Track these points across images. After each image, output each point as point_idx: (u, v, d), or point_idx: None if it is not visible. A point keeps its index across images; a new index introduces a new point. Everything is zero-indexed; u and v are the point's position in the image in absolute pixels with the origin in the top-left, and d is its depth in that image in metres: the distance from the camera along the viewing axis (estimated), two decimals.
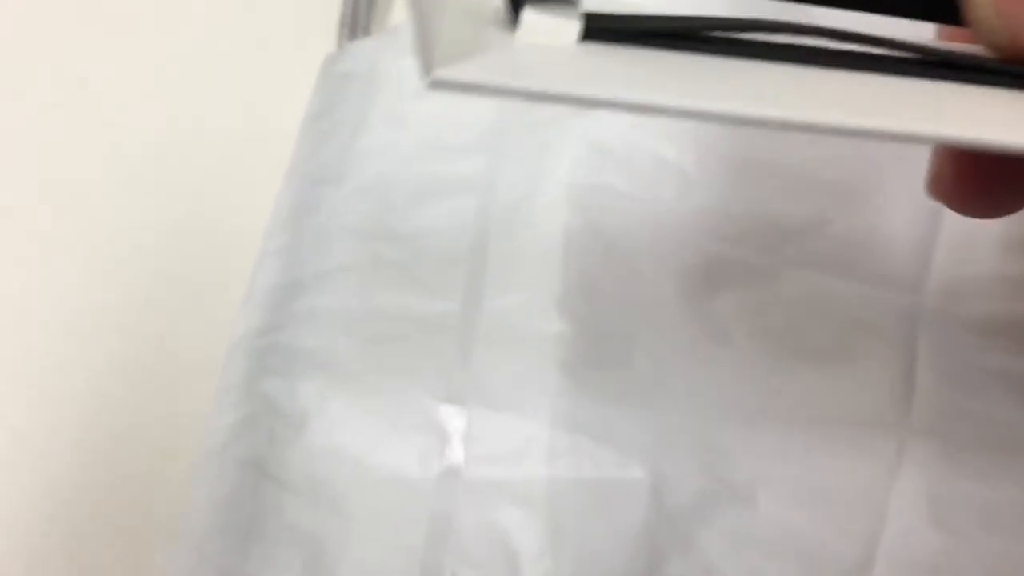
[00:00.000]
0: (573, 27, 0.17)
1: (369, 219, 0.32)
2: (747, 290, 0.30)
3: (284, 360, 0.29)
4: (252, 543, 0.26)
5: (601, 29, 0.17)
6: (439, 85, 0.16)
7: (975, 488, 0.27)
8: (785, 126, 0.17)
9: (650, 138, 0.33)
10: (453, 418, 0.28)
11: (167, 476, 0.30)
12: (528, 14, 0.17)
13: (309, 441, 0.27)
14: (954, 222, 0.30)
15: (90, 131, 0.36)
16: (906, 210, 0.31)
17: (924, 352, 0.29)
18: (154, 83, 0.37)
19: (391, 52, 0.36)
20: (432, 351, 0.29)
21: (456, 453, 0.27)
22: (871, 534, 0.27)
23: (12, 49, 0.37)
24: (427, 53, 0.16)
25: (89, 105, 0.36)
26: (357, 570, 0.26)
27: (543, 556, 0.26)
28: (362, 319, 0.30)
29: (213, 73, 0.37)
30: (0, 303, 0.32)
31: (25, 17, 0.37)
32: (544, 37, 0.17)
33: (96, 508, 0.29)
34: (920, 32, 0.20)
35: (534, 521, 0.26)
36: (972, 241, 0.30)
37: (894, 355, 0.29)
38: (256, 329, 0.29)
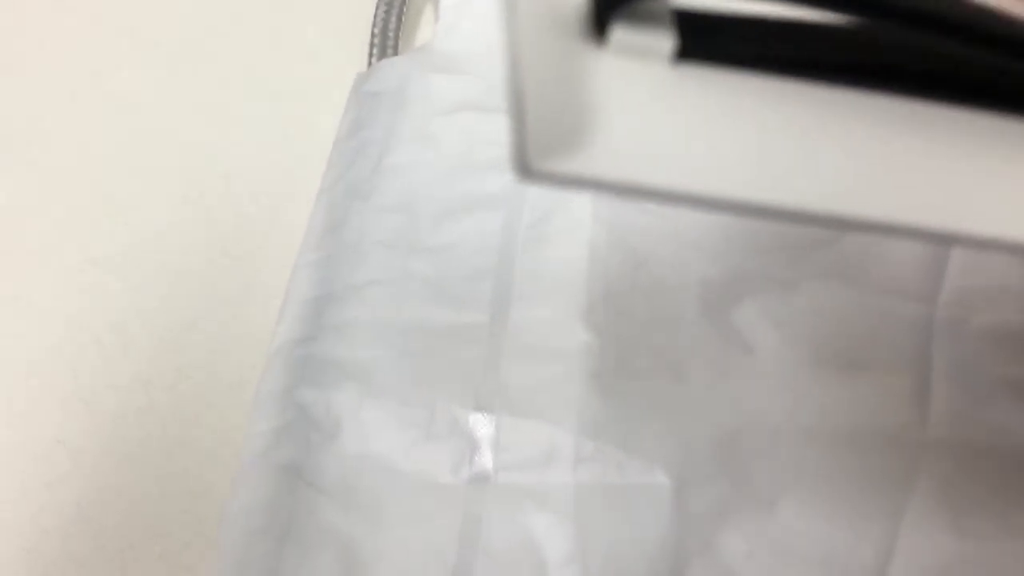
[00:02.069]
0: (665, 46, 0.16)
1: (399, 234, 0.33)
2: (768, 302, 0.31)
3: (319, 371, 0.30)
4: (289, 545, 0.27)
5: (696, 47, 0.16)
6: (537, 178, 0.15)
7: (991, 494, 0.28)
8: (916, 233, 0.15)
9: None
10: (482, 426, 0.29)
11: (209, 483, 0.31)
12: (617, 33, 0.16)
13: (343, 449, 0.28)
14: None
15: (125, 151, 0.37)
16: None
17: (939, 362, 0.30)
18: (185, 105, 0.38)
19: (419, 70, 0.37)
20: (461, 362, 0.30)
21: (486, 460, 0.28)
22: (889, 540, 0.27)
23: (48, 69, 0.38)
24: (521, 147, 0.15)
25: (123, 126, 0.37)
26: (390, 572, 0.27)
27: (570, 561, 0.27)
28: (393, 331, 0.31)
29: (245, 95, 0.38)
30: (44, 315, 0.33)
31: (54, 36, 0.39)
32: (634, 58, 0.16)
33: (142, 517, 0.30)
34: None
35: (561, 526, 0.27)
36: (985, 252, 0.31)
37: (909, 366, 0.30)
38: (292, 340, 0.31)
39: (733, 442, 0.28)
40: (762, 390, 0.29)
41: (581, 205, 0.32)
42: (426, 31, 0.40)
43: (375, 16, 0.39)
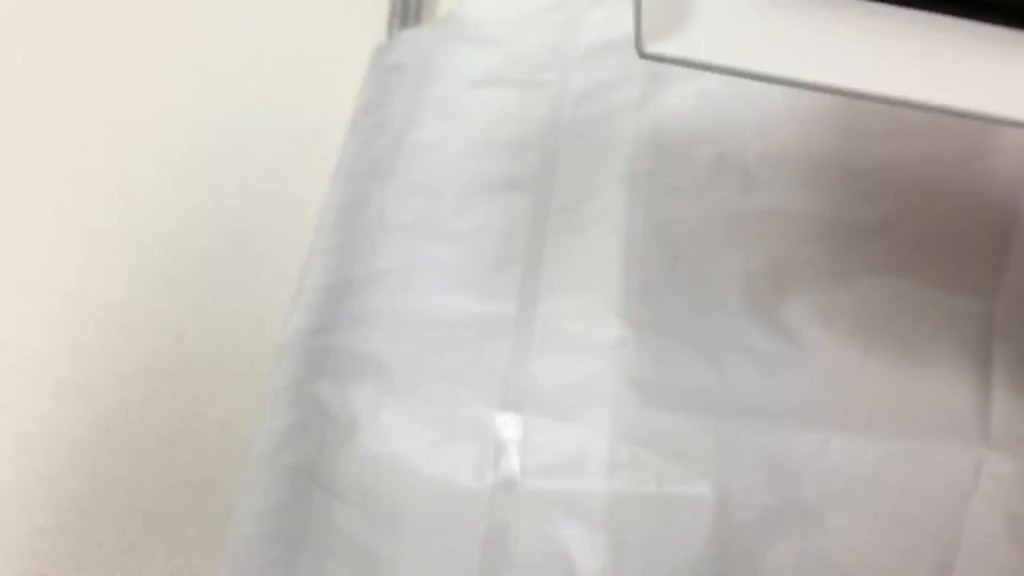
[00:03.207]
0: None
1: (421, 217, 0.31)
2: (817, 294, 0.29)
3: (335, 364, 0.28)
4: (302, 553, 0.26)
5: None
6: (651, 58, 0.18)
7: None
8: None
9: (709, 130, 0.31)
10: (509, 426, 0.27)
11: (214, 479, 0.29)
12: None
13: (360, 449, 0.27)
14: None
15: (125, 122, 0.35)
16: (981, 213, 0.30)
17: (999, 360, 0.28)
18: (190, 74, 0.36)
19: (443, 41, 0.35)
20: (487, 356, 0.28)
21: (512, 463, 0.26)
22: (946, 557, 0.25)
23: (59, 46, 0.36)
24: (638, 28, 0.18)
25: (123, 96, 0.35)
26: None
27: (604, 573, 0.25)
28: (414, 322, 0.29)
29: (259, 65, 0.36)
30: (38, 295, 0.32)
31: (70, 10, 0.37)
32: None
33: (143, 514, 0.29)
34: None
35: (594, 536, 0.25)
36: None
37: (968, 363, 0.28)
38: (306, 330, 0.29)
39: (780, 447, 0.26)
40: (812, 388, 0.27)
41: (615, 193, 0.30)
42: (449, 0, 0.38)
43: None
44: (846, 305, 0.28)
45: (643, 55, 0.18)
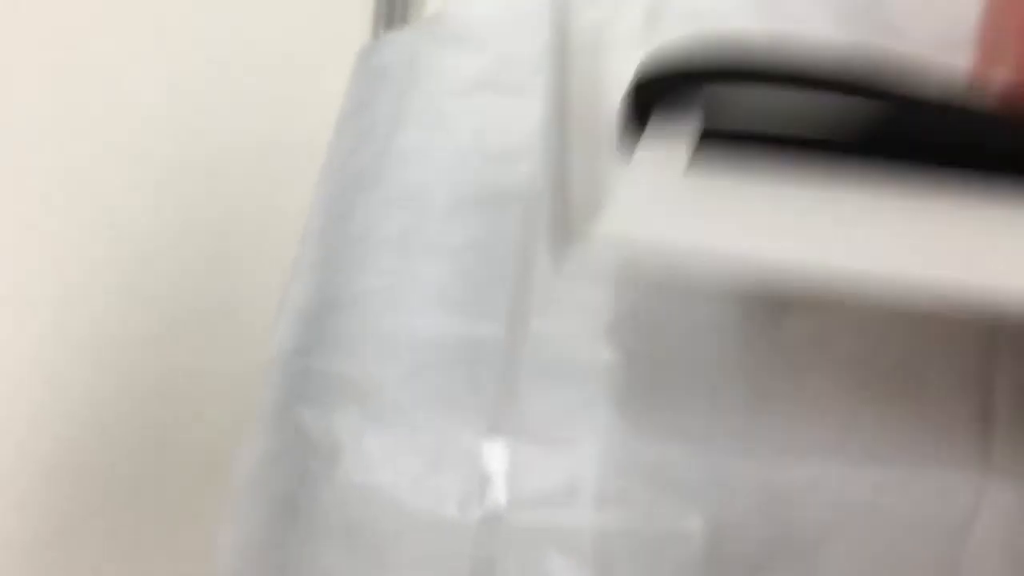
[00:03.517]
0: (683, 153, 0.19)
1: (407, 231, 0.30)
2: (812, 316, 0.28)
3: (317, 387, 0.27)
4: None
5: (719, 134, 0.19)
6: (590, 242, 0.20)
7: None
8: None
9: None
10: (496, 455, 0.26)
11: (197, 506, 0.28)
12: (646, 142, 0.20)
13: (344, 479, 0.26)
14: None
15: (103, 128, 0.34)
16: None
17: (1001, 385, 0.27)
18: (169, 76, 0.35)
19: (430, 43, 0.34)
20: (474, 380, 0.27)
21: (499, 495, 0.26)
22: None
23: (32, 53, 0.35)
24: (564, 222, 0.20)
25: (101, 99, 0.34)
26: None
27: None
28: (400, 343, 0.28)
29: (235, 66, 0.35)
30: (15, 313, 0.31)
31: (43, 16, 0.36)
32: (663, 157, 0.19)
33: (125, 540, 0.28)
34: None
35: (582, 570, 0.25)
36: None
37: (970, 388, 0.27)
38: (288, 351, 0.28)
39: (775, 477, 0.25)
40: (808, 416, 0.26)
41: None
42: (435, 0, 0.37)
43: None
44: (846, 327, 0.28)
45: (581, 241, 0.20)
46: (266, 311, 0.29)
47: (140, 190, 0.33)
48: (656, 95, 0.19)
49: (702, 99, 0.19)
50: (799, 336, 0.27)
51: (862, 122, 0.18)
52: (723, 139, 0.19)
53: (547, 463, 0.26)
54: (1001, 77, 0.18)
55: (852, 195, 0.18)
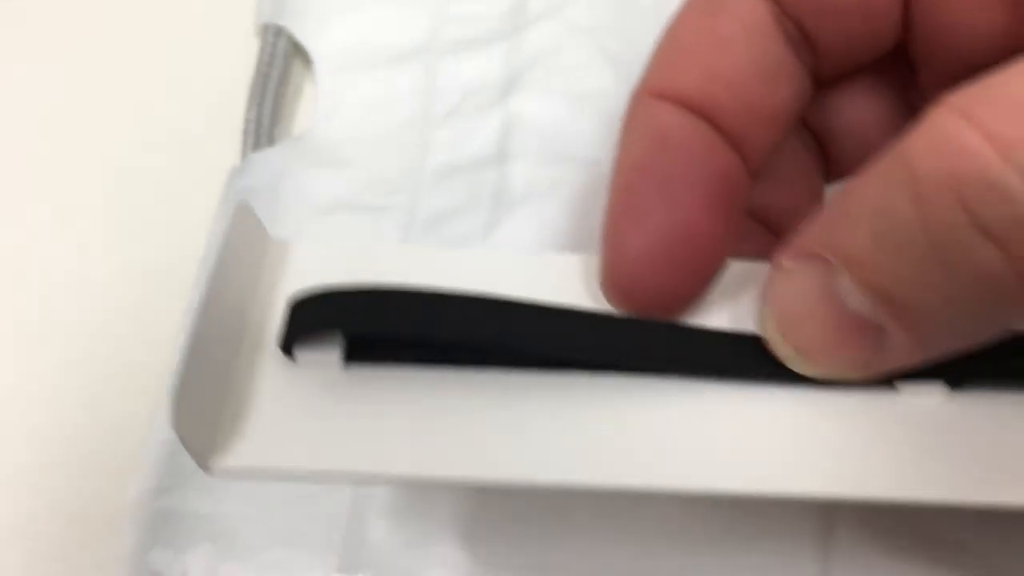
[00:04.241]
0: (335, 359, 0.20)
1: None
2: None
3: (175, 528, 0.27)
4: None
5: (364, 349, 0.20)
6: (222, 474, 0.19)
7: None
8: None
9: None
10: None
11: None
12: (298, 352, 0.20)
13: None
14: None
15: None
16: None
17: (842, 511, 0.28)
18: (25, 210, 0.35)
19: (294, 164, 0.34)
20: (326, 515, 0.27)
21: None
22: None
23: None
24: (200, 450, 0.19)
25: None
26: None
27: None
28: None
29: (113, 199, 0.35)
30: None
31: None
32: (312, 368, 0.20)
33: None
34: None
35: None
36: None
37: (810, 508, 0.27)
38: (149, 491, 0.28)
39: None
40: (654, 541, 0.27)
41: None
42: (305, 117, 0.37)
43: (249, 99, 0.36)
44: None
45: (212, 474, 0.19)
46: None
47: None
48: (305, 323, 0.20)
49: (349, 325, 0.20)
50: None
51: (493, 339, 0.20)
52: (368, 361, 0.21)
53: None
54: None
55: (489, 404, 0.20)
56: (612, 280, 0.20)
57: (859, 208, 0.17)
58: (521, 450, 0.19)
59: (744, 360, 0.20)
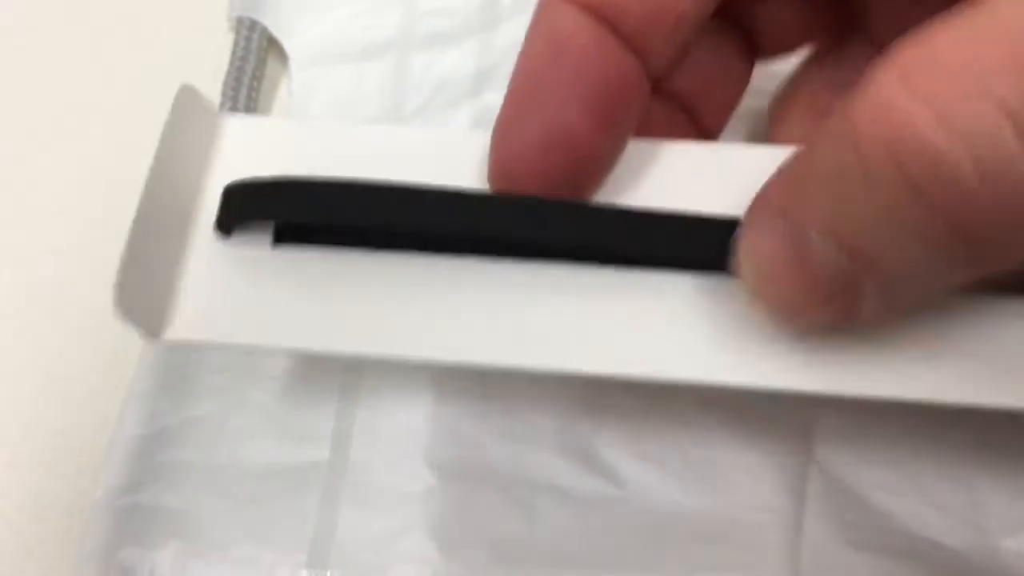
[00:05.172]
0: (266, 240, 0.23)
1: (238, 357, 0.30)
2: (633, 428, 0.28)
3: (143, 525, 0.28)
4: None
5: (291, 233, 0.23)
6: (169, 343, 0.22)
7: None
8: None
9: None
10: None
11: None
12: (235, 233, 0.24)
13: None
14: None
15: None
16: None
17: (814, 494, 0.28)
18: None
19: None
20: (295, 510, 0.28)
21: None
22: None
23: None
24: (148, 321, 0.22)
25: None
26: None
27: None
28: (225, 475, 0.28)
29: (80, 199, 0.35)
30: None
31: None
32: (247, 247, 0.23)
33: None
34: None
35: None
36: None
37: (785, 498, 0.27)
38: (117, 488, 0.28)
39: None
40: (624, 530, 0.27)
41: None
42: (283, 99, 0.37)
43: (223, 93, 0.36)
44: (663, 439, 0.28)
45: (159, 344, 0.22)
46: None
47: None
48: (240, 205, 0.23)
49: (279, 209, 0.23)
50: (619, 449, 0.28)
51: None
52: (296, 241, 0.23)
53: None
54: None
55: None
56: (496, 182, 0.22)
57: (818, 171, 0.17)
58: (415, 326, 0.22)
59: (652, 240, 0.21)
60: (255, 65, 0.36)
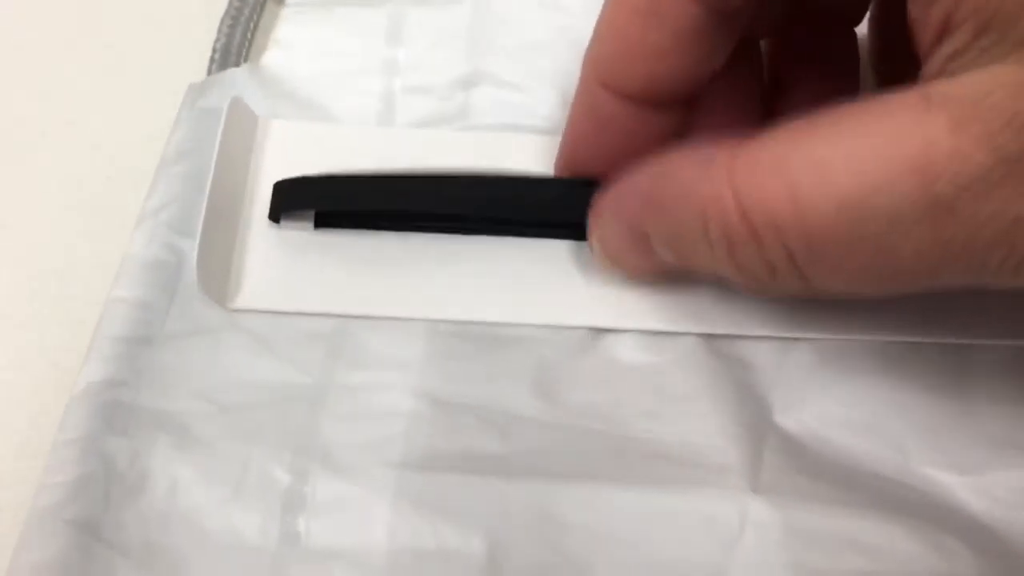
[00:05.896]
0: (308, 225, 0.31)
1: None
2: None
3: (127, 419, 0.28)
4: None
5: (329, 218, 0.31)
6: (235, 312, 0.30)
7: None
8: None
9: None
10: (296, 485, 0.27)
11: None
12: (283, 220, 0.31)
13: (147, 505, 0.27)
14: None
15: None
16: None
17: (777, 407, 0.30)
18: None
19: (256, 89, 0.35)
20: (282, 418, 0.28)
21: (297, 520, 0.27)
22: None
23: None
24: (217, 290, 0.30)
25: None
26: None
27: None
28: (214, 385, 0.29)
29: (71, 131, 0.35)
30: None
31: None
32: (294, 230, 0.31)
33: None
34: None
35: None
36: None
37: (745, 413, 0.29)
38: (99, 383, 0.29)
39: (550, 501, 0.28)
40: (586, 444, 0.29)
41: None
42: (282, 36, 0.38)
43: (218, 29, 0.37)
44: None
45: (229, 310, 0.30)
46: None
47: None
48: (289, 198, 0.31)
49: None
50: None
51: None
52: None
53: (345, 493, 0.27)
54: None
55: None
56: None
57: (672, 212, 0.26)
58: (431, 293, 0.30)
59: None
60: (253, 6, 0.37)
